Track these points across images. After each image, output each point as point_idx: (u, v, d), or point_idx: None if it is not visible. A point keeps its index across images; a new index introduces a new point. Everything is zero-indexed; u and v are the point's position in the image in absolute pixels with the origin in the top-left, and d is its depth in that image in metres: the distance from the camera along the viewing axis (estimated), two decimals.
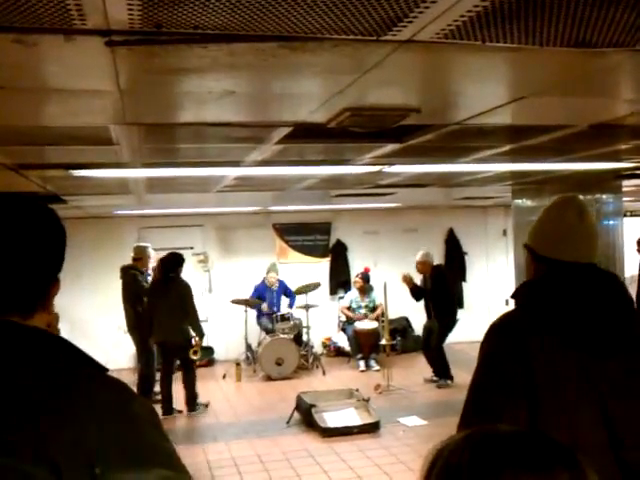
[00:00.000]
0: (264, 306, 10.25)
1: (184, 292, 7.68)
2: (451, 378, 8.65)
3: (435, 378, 8.87)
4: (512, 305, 1.97)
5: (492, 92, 2.79)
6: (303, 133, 3.46)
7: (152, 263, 8.32)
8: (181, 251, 8.14)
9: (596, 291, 1.84)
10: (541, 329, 1.77)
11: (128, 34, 1.77)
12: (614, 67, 2.33)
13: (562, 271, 1.87)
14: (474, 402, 1.79)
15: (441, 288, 8.66)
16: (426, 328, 9.04)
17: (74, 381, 1.06)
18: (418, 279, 8.98)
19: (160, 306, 7.58)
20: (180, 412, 7.79)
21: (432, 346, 8.76)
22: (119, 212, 9.57)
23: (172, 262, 7.72)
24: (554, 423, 1.71)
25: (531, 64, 2.26)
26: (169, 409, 7.68)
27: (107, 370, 1.14)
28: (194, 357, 7.68)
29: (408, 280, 8.68)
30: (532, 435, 0.89)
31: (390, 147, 4.11)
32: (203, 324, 8.03)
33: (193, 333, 7.71)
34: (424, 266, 8.86)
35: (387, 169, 5.18)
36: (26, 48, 1.85)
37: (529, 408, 1.70)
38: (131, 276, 8.05)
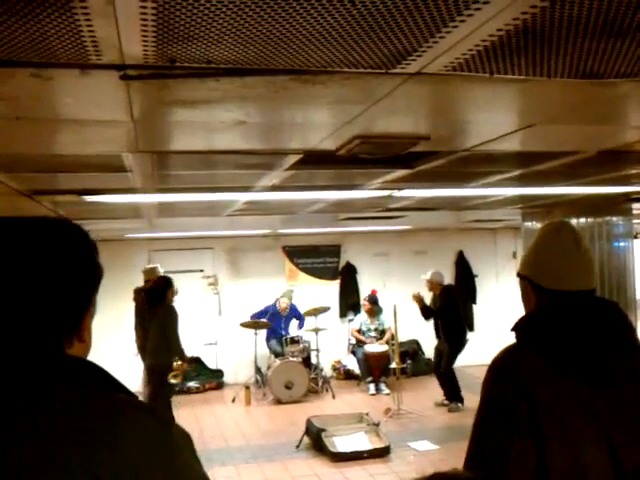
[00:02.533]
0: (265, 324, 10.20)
1: (165, 315, 7.45)
2: (462, 401, 8.59)
3: (446, 402, 8.81)
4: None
5: (500, 120, 2.81)
6: (313, 160, 3.49)
7: None
8: (191, 274, 8.17)
9: (597, 321, 1.82)
10: (542, 363, 1.76)
11: (142, 68, 1.80)
12: (622, 96, 2.35)
13: (565, 302, 1.85)
14: (479, 442, 1.77)
15: (450, 308, 8.68)
16: (437, 350, 9.01)
17: (114, 407, 1.05)
18: (428, 297, 9.00)
19: (147, 330, 7.52)
20: None
21: (442, 368, 8.73)
22: (130, 235, 9.62)
23: (157, 287, 7.58)
24: (561, 456, 1.70)
25: (539, 94, 2.28)
26: None
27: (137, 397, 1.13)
28: (173, 380, 7.52)
29: (418, 299, 8.70)
30: None
31: (400, 172, 4.13)
32: (212, 347, 7.97)
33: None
34: (433, 284, 8.91)
35: (397, 193, 5.20)
36: (43, 81, 1.89)
37: (535, 443, 1.69)
38: (142, 298, 8.09)
